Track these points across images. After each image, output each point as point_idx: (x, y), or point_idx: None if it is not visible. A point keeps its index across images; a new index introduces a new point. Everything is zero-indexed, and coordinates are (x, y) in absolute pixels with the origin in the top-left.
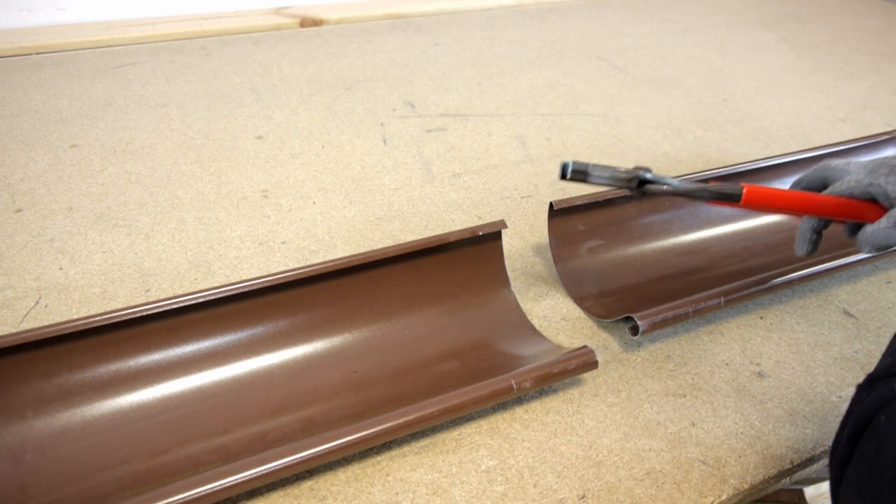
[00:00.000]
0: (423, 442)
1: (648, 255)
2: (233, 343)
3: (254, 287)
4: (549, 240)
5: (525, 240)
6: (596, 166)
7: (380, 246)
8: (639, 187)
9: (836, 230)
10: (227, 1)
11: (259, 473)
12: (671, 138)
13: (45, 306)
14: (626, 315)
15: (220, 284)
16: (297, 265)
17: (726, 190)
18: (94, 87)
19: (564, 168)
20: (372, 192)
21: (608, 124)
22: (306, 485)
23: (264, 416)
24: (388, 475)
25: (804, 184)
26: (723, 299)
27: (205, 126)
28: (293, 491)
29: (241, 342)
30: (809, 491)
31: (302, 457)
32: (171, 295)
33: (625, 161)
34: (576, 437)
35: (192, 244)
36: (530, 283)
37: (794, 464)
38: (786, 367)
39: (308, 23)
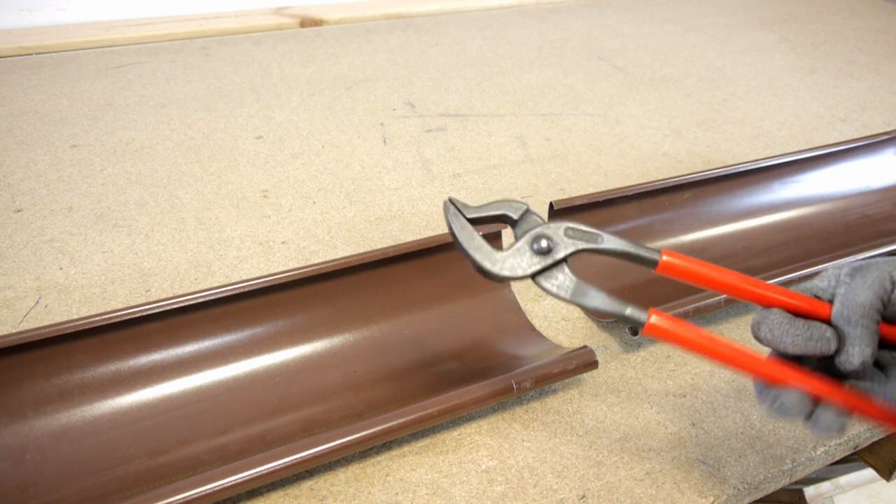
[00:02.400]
0: (423, 442)
1: None
2: (233, 343)
3: (254, 287)
4: None
5: None
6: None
7: (380, 246)
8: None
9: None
10: (227, 1)
11: (259, 473)
12: (671, 138)
13: (45, 306)
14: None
15: (220, 284)
16: (297, 265)
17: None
18: (94, 87)
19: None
20: (372, 192)
21: (608, 124)
22: (306, 485)
23: (264, 416)
24: (388, 475)
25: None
26: (723, 299)
27: (205, 126)
28: (293, 491)
29: (241, 342)
30: (809, 491)
31: (302, 457)
32: (171, 295)
33: (624, 161)
34: (576, 437)
35: (192, 244)
36: (530, 283)
37: (795, 464)
38: None
39: (308, 23)
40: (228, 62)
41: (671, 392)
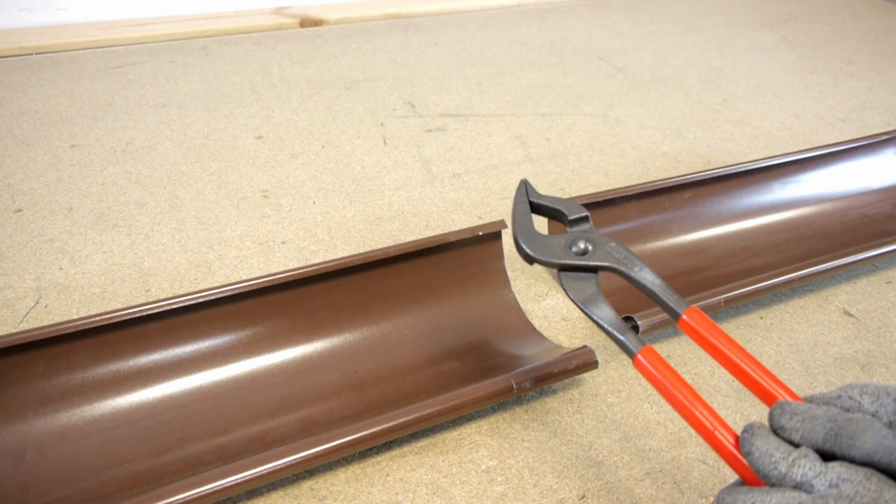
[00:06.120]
0: (423, 442)
1: (648, 255)
2: (233, 343)
3: (254, 287)
4: None
5: None
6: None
7: (380, 246)
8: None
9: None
10: (227, 1)
11: (259, 473)
12: (671, 138)
13: (45, 306)
14: (626, 315)
15: (220, 284)
16: (297, 265)
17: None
18: (94, 87)
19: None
20: (372, 192)
21: (608, 124)
22: (306, 485)
23: (264, 416)
24: (388, 475)
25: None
26: (723, 299)
27: (205, 126)
28: (293, 491)
29: (241, 342)
30: None
31: (302, 457)
32: (171, 295)
33: (624, 161)
34: (576, 437)
35: (192, 244)
36: (530, 283)
37: None
38: (786, 367)
39: (308, 23)
40: (228, 62)
41: None
